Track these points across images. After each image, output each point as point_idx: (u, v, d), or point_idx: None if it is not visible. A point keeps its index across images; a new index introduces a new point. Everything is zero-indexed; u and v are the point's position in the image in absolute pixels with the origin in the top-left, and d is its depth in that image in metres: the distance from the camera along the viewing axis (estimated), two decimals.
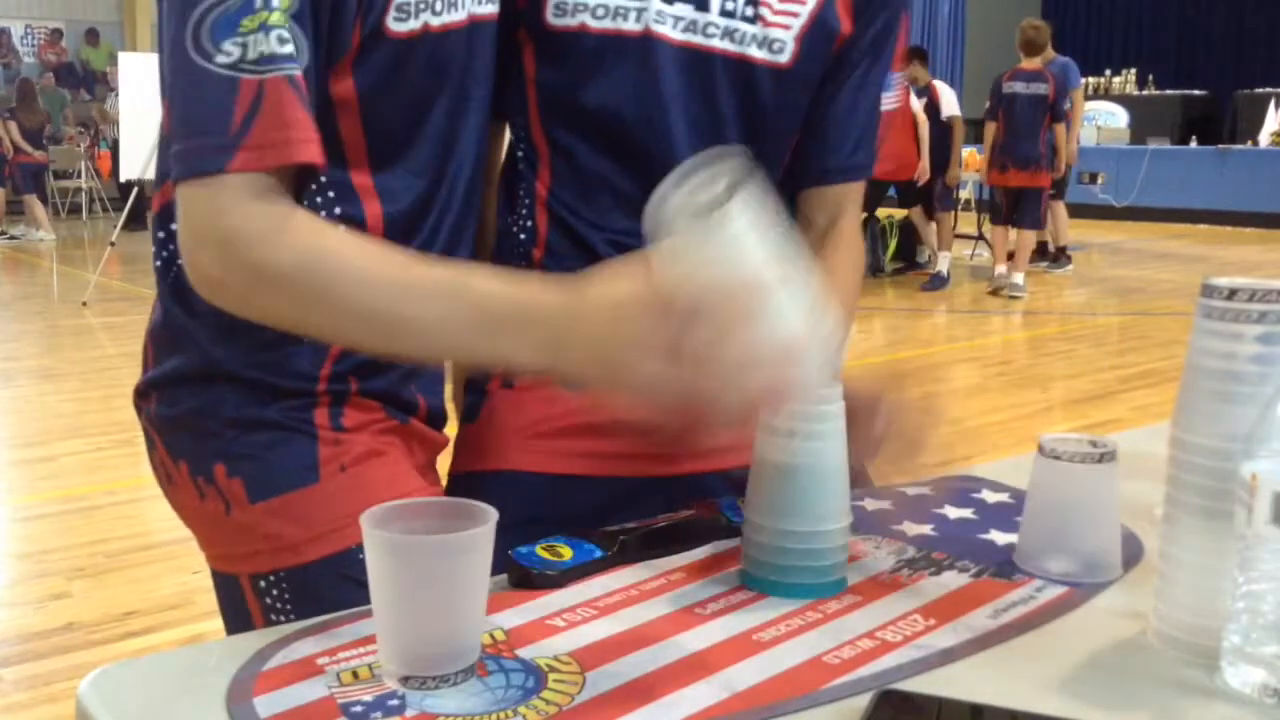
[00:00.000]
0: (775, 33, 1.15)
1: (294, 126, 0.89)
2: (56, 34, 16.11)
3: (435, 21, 1.00)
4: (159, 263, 1.08)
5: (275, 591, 1.05)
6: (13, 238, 12.17)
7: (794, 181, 1.24)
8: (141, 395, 1.11)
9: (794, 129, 1.21)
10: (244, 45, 0.87)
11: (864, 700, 0.74)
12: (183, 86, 0.89)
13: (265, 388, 1.04)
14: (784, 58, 1.15)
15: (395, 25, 0.98)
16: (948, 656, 0.82)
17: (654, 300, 0.81)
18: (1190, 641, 0.81)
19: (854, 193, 1.27)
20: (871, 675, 0.79)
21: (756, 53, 1.14)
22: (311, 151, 0.90)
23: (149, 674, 0.81)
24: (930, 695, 0.75)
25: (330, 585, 0.98)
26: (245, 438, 1.04)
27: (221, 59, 0.87)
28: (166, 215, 1.06)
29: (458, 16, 1.02)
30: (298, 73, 0.89)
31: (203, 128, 0.89)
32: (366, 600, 0.77)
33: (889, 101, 1.28)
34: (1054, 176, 8.15)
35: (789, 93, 1.18)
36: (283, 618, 1.04)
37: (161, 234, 1.07)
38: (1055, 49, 8.40)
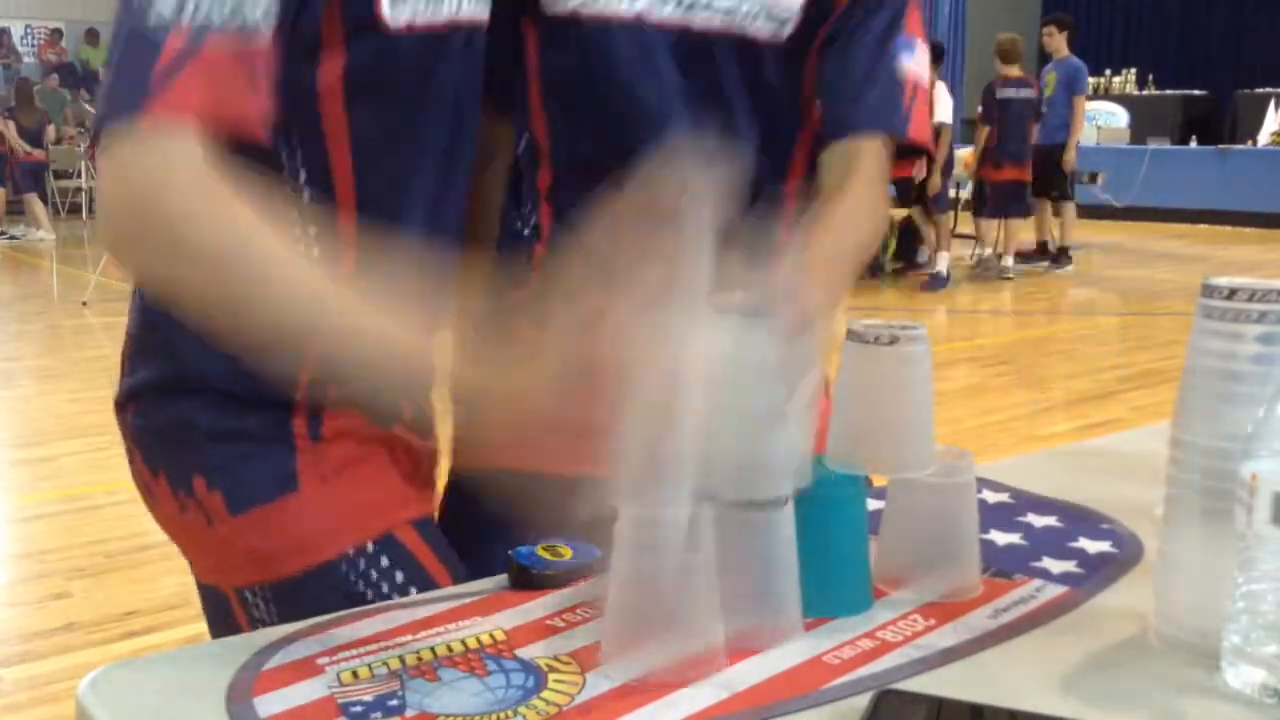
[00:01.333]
0: (777, 7, 1.13)
1: (232, 92, 0.86)
2: (56, 34, 16.11)
3: (419, 21, 0.98)
4: None
5: (261, 604, 1.03)
6: (13, 238, 12.17)
7: (815, 147, 1.18)
8: (119, 406, 1.09)
9: (803, 109, 1.18)
10: (180, 5, 0.84)
11: (864, 700, 0.74)
12: (117, 41, 0.87)
13: (242, 398, 1.02)
14: (788, 30, 1.13)
15: (385, 17, 0.95)
16: (948, 656, 0.82)
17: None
18: (1190, 641, 0.81)
19: (870, 151, 1.16)
20: (871, 675, 0.79)
21: (759, 27, 1.12)
22: (247, 119, 0.86)
23: (149, 674, 0.81)
24: (930, 695, 0.75)
25: (315, 596, 0.95)
26: (223, 449, 1.02)
27: (153, 15, 0.84)
28: None
29: (436, 20, 1.00)
30: (251, 44, 0.86)
31: (121, 76, 0.86)
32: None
33: (915, 64, 1.21)
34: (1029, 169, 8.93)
35: (794, 68, 1.15)
36: None
37: None
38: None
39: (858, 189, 1.12)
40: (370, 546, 1.03)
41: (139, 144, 0.84)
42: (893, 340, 0.88)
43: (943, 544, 0.93)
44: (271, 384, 1.02)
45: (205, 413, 1.02)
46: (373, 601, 0.86)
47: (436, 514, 1.24)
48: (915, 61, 1.19)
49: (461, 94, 1.07)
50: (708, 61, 1.12)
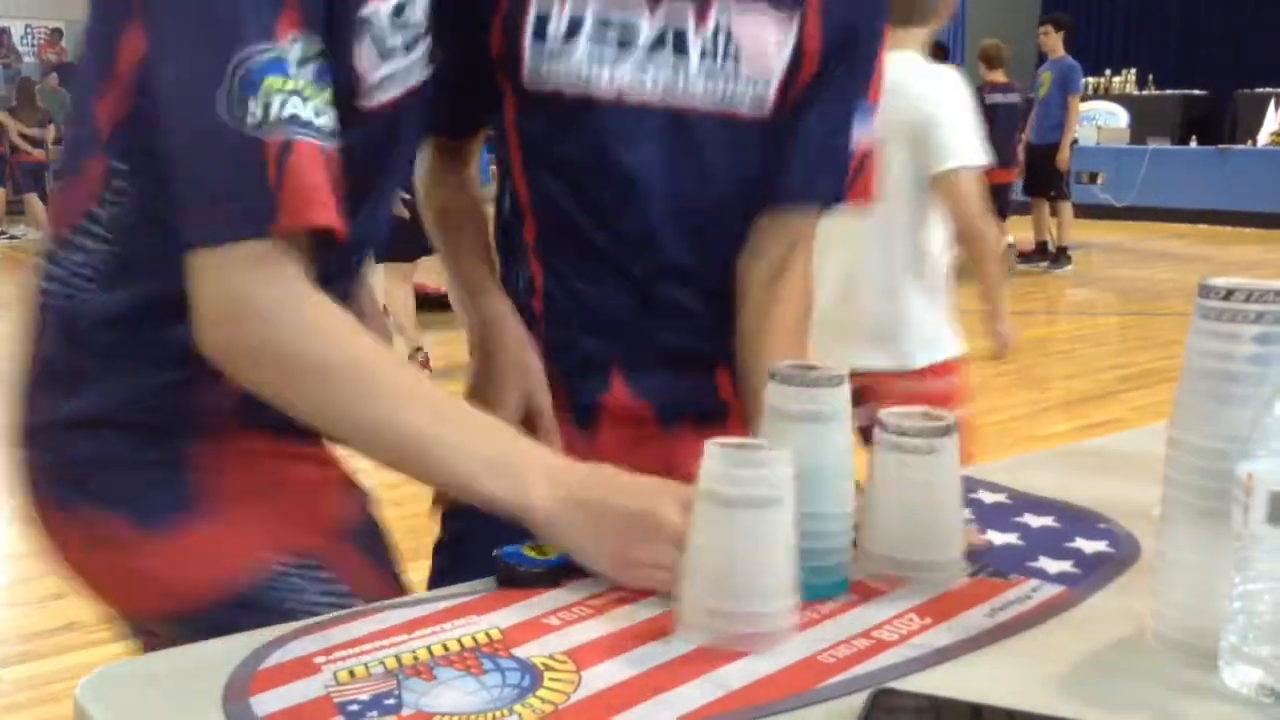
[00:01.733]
0: (757, 86, 1.14)
1: (316, 189, 0.87)
2: (56, 34, 16.10)
3: (384, 97, 0.99)
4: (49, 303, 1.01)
5: (171, 634, 0.98)
6: (13, 237, 12.17)
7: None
8: (20, 443, 1.05)
9: None
10: (268, 104, 0.85)
11: (860, 699, 0.74)
12: (204, 145, 0.87)
13: (150, 429, 1.00)
14: (766, 109, 1.15)
15: (364, 103, 0.97)
16: (944, 655, 0.82)
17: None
18: (1188, 642, 0.81)
19: (810, 225, 1.22)
20: (867, 674, 0.79)
21: (739, 107, 1.14)
22: (328, 216, 0.88)
23: (148, 674, 0.81)
24: (926, 694, 0.75)
25: (226, 622, 0.89)
26: (125, 480, 1.01)
27: (250, 120, 0.85)
28: (53, 258, 1.01)
29: (393, 94, 1.00)
30: (322, 140, 0.88)
31: (230, 191, 0.87)
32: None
33: (872, 132, 1.22)
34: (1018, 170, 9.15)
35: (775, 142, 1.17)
36: None
37: (61, 271, 1.00)
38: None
39: (800, 291, 1.22)
40: (287, 562, 1.02)
41: (243, 262, 0.88)
42: (930, 451, 0.92)
43: (924, 517, 0.94)
44: (174, 414, 1.01)
45: (113, 445, 1.00)
46: (298, 618, 0.86)
47: (441, 522, 1.25)
48: (872, 129, 1.22)
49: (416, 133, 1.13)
50: (690, 136, 1.14)
